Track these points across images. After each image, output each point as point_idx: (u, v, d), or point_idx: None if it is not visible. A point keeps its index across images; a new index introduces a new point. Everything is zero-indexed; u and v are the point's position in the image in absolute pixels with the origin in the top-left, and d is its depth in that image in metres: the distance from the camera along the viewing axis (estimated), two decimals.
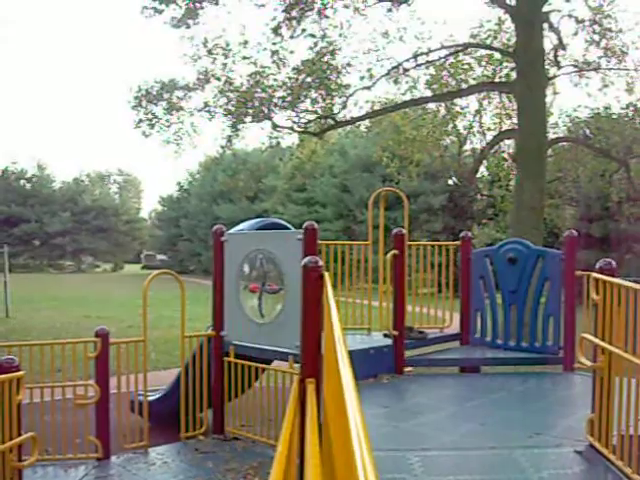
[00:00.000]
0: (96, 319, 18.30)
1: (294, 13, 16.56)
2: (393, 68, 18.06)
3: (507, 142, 22.60)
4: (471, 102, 24.08)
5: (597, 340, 4.62)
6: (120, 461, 6.73)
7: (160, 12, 16.52)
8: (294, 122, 18.19)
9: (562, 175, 26.00)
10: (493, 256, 8.53)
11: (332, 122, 18.32)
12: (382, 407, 6.14)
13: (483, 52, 19.76)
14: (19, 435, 5.49)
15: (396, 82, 19.11)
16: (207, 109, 17.88)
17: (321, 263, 4.04)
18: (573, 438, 4.92)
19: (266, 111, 17.37)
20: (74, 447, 6.62)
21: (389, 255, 7.65)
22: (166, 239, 69.16)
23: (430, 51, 18.02)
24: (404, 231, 7.84)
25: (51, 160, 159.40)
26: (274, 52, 17.24)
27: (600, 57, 18.72)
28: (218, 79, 17.67)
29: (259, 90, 17.28)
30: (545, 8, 15.09)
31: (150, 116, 18.18)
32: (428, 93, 19.96)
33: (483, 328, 8.60)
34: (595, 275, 4.79)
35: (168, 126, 18.36)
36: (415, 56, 18.03)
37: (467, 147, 31.79)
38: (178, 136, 18.61)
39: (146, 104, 18.05)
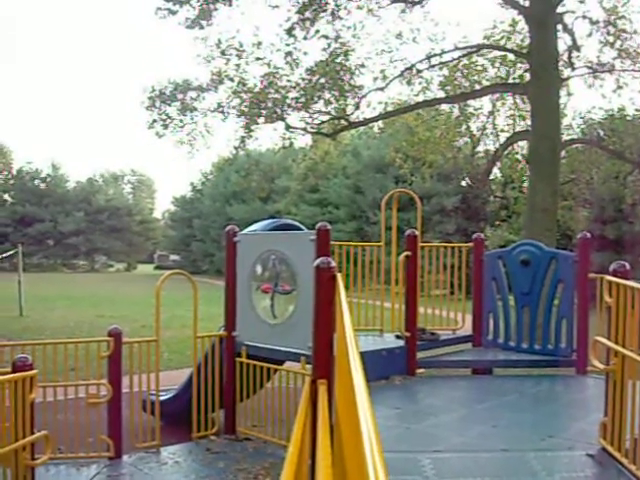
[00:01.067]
0: (109, 318, 18.37)
1: (308, 14, 16.56)
2: (406, 69, 18.04)
3: (520, 144, 22.55)
4: (484, 103, 24.05)
5: (610, 343, 4.60)
6: (132, 460, 6.76)
7: (174, 13, 16.55)
8: (307, 123, 18.20)
9: (576, 177, 25.89)
10: (506, 258, 8.51)
11: (345, 123, 18.30)
12: (394, 408, 6.14)
13: (497, 53, 19.70)
14: (32, 434, 5.51)
15: (409, 83, 19.08)
16: (220, 110, 17.91)
17: (334, 264, 4.04)
18: (585, 441, 4.90)
19: (279, 112, 17.38)
20: (86, 446, 6.65)
21: (402, 256, 7.65)
22: (179, 239, 69.29)
23: (443, 52, 17.98)
24: (417, 232, 7.82)
25: (65, 160, 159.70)
26: (287, 53, 17.24)
27: (614, 58, 18.62)
28: (231, 80, 17.69)
29: (272, 91, 17.29)
30: (559, 9, 15.02)
31: (164, 117, 18.23)
32: (441, 94, 19.93)
33: (495, 330, 8.58)
34: (608, 277, 4.77)
35: (181, 127, 18.40)
36: (428, 57, 18.00)
37: (480, 148, 31.75)
38: (191, 137, 18.65)
39: (160, 105, 18.10)
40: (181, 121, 18.34)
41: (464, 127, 25.25)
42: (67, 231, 70.74)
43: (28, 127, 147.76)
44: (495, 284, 8.54)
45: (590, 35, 18.14)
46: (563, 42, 16.86)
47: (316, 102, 17.54)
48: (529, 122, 16.30)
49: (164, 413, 7.45)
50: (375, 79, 18.17)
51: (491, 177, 32.34)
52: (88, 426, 6.63)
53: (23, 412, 5.35)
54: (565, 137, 20.53)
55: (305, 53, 17.51)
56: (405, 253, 7.62)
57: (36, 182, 74.83)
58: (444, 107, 21.98)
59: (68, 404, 6.71)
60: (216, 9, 16.62)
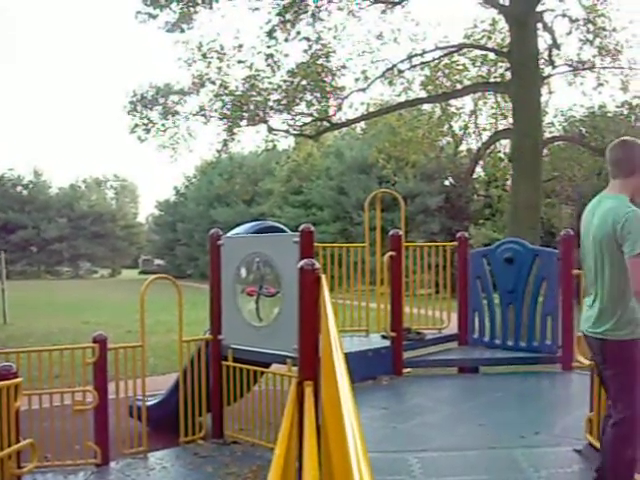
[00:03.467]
0: (94, 325, 18.28)
1: (288, 16, 16.56)
2: (388, 70, 18.06)
3: (503, 142, 22.64)
4: (466, 103, 24.17)
5: None
6: (119, 467, 6.72)
7: (154, 17, 16.51)
8: (290, 125, 18.19)
9: (558, 174, 26.00)
10: (490, 256, 8.54)
11: (328, 124, 18.32)
12: (381, 409, 6.14)
13: (477, 52, 19.77)
14: (18, 442, 5.49)
15: (391, 84, 19.11)
16: (202, 113, 17.88)
17: (318, 266, 4.05)
18: (572, 437, 4.93)
19: (262, 114, 17.37)
20: (73, 453, 6.60)
21: (386, 256, 7.66)
22: (163, 244, 69.07)
23: (424, 52, 18.02)
24: (401, 232, 7.85)
25: (47, 166, 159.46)
26: (269, 55, 17.23)
27: (594, 56, 18.73)
28: (213, 83, 17.66)
29: (254, 93, 17.28)
30: (539, 8, 15.08)
31: (145, 121, 18.18)
32: (423, 94, 19.97)
33: (481, 328, 8.61)
34: None
35: (164, 131, 18.36)
36: (409, 57, 18.03)
37: (463, 148, 31.92)
38: (174, 141, 18.61)
39: (141, 109, 18.06)
40: (163, 125, 18.30)
41: (446, 127, 25.32)
42: (50, 237, 70.41)
43: (9, 133, 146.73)
44: (480, 282, 8.57)
45: (570, 33, 18.23)
46: (543, 40, 16.95)
47: (298, 104, 17.54)
48: (511, 120, 16.38)
49: (151, 418, 7.41)
50: (357, 80, 18.20)
51: (474, 176, 32.48)
52: (74, 433, 6.58)
53: (8, 420, 5.32)
54: (547, 135, 20.61)
55: (286, 55, 17.53)
56: (389, 253, 7.64)
57: (18, 189, 74.41)
58: (426, 107, 22.03)
59: (54, 411, 6.66)
60: (196, 12, 16.59)
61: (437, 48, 18.02)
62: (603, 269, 3.92)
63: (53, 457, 6.56)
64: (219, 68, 17.57)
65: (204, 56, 17.51)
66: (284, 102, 17.31)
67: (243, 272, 7.52)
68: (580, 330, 4.16)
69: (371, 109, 20.03)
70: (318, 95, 17.45)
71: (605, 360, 3.99)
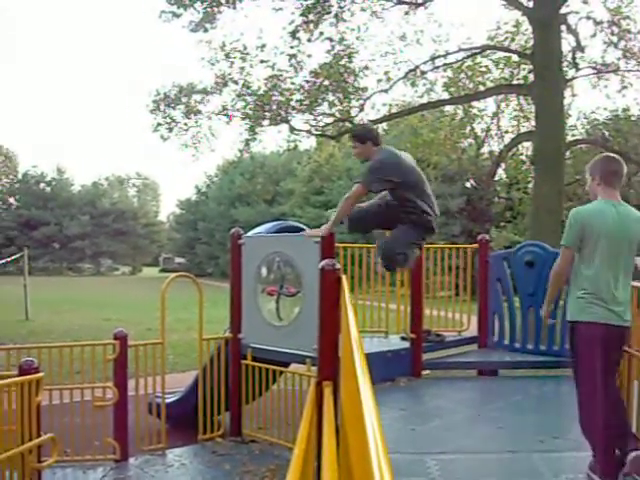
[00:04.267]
0: (115, 322, 18.37)
1: (311, 17, 16.57)
2: (410, 71, 18.03)
3: (525, 145, 22.53)
4: (489, 105, 24.07)
5: None
6: (138, 463, 6.76)
7: (178, 16, 16.59)
8: (311, 125, 18.21)
9: (580, 178, 25.82)
10: (511, 259, 8.50)
11: (350, 125, 18.31)
12: (399, 410, 6.14)
13: (500, 54, 19.69)
14: (39, 436, 5.53)
15: (413, 85, 19.08)
16: (225, 113, 17.95)
17: (338, 266, 4.05)
18: None
19: (284, 114, 17.40)
20: (92, 449, 6.65)
21: None
22: (184, 242, 69.42)
23: (447, 54, 17.99)
24: None
25: (70, 164, 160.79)
26: (291, 56, 17.26)
27: (619, 58, 18.58)
28: (236, 83, 17.71)
29: (277, 93, 17.31)
30: (563, 10, 15.00)
31: (168, 120, 18.28)
32: (445, 96, 19.94)
33: (501, 331, 8.57)
34: None
35: (186, 130, 18.45)
36: (432, 59, 18.00)
37: (485, 150, 31.74)
38: (196, 140, 18.70)
39: (164, 108, 18.15)
40: (185, 124, 18.39)
41: (468, 128, 25.26)
42: (72, 234, 70.94)
43: (33, 131, 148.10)
44: (500, 285, 8.53)
45: (594, 35, 18.10)
46: (567, 43, 16.86)
47: (320, 104, 17.55)
48: (533, 123, 16.28)
49: (170, 416, 7.45)
50: (379, 81, 18.20)
51: (496, 178, 32.30)
52: (94, 429, 6.64)
53: (29, 415, 5.37)
54: (570, 138, 20.49)
55: (309, 55, 17.55)
56: None
57: (41, 186, 75.09)
58: (448, 108, 21.98)
59: (74, 407, 6.72)
60: (220, 12, 16.65)
61: (460, 50, 17.97)
62: (629, 266, 4.39)
63: (73, 452, 6.62)
64: (242, 68, 17.62)
65: (227, 56, 17.57)
66: (306, 102, 17.33)
67: (264, 271, 7.53)
68: (614, 322, 4.22)
69: (393, 110, 19.99)
70: (340, 96, 17.46)
71: (621, 347, 4.41)
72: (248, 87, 17.60)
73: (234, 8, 16.65)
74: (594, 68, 19.05)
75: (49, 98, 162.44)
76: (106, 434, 6.74)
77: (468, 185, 38.19)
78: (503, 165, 26.99)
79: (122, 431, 6.80)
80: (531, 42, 16.17)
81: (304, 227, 8.68)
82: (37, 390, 5.51)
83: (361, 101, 17.96)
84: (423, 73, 18.47)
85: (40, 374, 5.62)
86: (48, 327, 18.32)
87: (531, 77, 16.70)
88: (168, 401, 7.64)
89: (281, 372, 7.47)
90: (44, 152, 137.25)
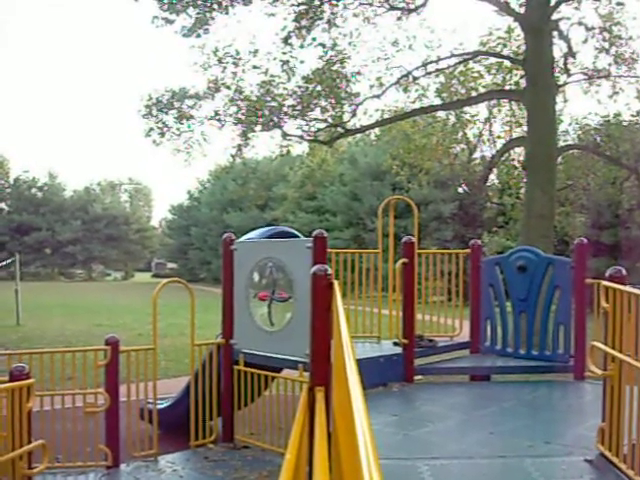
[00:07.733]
0: (106, 327, 18.35)
1: (304, 22, 16.60)
2: (403, 76, 18.09)
3: (517, 150, 22.60)
4: (481, 110, 24.15)
5: (607, 348, 4.60)
6: (130, 469, 6.73)
7: (171, 22, 16.58)
8: (304, 131, 18.23)
9: (572, 183, 25.94)
10: (503, 264, 8.51)
11: (342, 130, 18.34)
12: (392, 415, 6.13)
13: (493, 60, 19.79)
14: (29, 443, 5.51)
15: (406, 90, 19.14)
16: (217, 118, 17.94)
17: (330, 271, 4.05)
18: (583, 447, 4.90)
19: (276, 120, 17.42)
20: (84, 455, 6.63)
21: (399, 263, 7.65)
22: (176, 247, 69.25)
23: (440, 59, 18.05)
24: (414, 239, 7.84)
25: (62, 169, 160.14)
26: (284, 61, 17.29)
27: (610, 64, 18.70)
28: (228, 88, 17.73)
29: (269, 99, 17.33)
30: (554, 16, 15.08)
31: (160, 125, 18.26)
32: (438, 101, 20.01)
33: (493, 336, 8.58)
34: (605, 283, 4.77)
35: (178, 135, 18.43)
36: (425, 64, 18.07)
37: (477, 155, 31.84)
38: (188, 145, 18.68)
39: (156, 113, 18.13)
40: (178, 129, 18.36)
41: (460, 134, 25.34)
42: (64, 240, 70.68)
43: (25, 136, 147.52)
44: (492, 290, 8.54)
45: (586, 41, 18.22)
46: (559, 48, 16.97)
47: (312, 110, 17.58)
48: (525, 128, 16.35)
49: (162, 421, 7.43)
50: (371, 86, 18.26)
51: (488, 184, 32.42)
52: (86, 435, 6.61)
53: (20, 421, 5.35)
54: (561, 143, 20.60)
55: (301, 61, 17.58)
56: (402, 260, 7.62)
57: (33, 191, 74.76)
58: (440, 114, 22.05)
59: (65, 413, 6.69)
60: (212, 18, 16.66)
61: (452, 55, 18.05)
62: None
63: (64, 458, 6.59)
64: (234, 73, 17.64)
65: (219, 61, 17.58)
66: (299, 108, 17.36)
67: (256, 277, 7.53)
68: None
69: (385, 116, 20.03)
70: (332, 101, 17.49)
71: None
72: (241, 92, 17.61)
73: (226, 13, 16.67)
74: (585, 74, 19.17)
75: (41, 103, 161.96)
76: (98, 440, 6.70)
77: (460, 190, 38.25)
78: (495, 170, 27.10)
79: (114, 437, 6.77)
80: (523, 48, 16.25)
81: (296, 232, 8.70)
82: (28, 396, 5.49)
83: (353, 106, 17.99)
84: (415, 79, 18.53)
85: (31, 380, 5.59)
86: (39, 333, 18.26)
87: (523, 83, 16.78)
88: (160, 407, 7.63)
89: (273, 377, 7.47)
90: (36, 157, 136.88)
